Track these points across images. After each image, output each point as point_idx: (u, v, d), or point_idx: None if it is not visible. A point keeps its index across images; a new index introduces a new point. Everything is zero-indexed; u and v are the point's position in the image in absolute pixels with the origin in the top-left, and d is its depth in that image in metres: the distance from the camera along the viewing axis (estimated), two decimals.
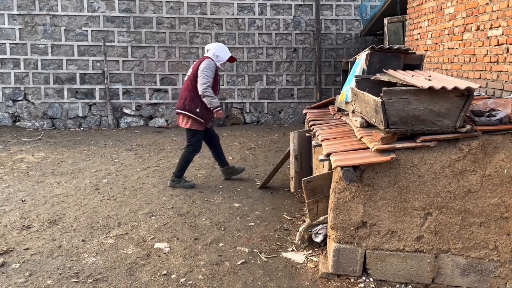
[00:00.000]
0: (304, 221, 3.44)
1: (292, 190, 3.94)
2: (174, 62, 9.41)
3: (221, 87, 9.33)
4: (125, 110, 9.35)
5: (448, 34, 4.97)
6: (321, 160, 2.78)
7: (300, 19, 9.64)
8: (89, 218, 3.57)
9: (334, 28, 9.77)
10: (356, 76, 3.22)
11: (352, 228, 2.60)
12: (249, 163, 5.68)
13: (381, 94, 2.43)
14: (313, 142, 3.44)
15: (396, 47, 3.43)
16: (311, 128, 3.69)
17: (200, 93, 4.31)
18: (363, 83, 3.17)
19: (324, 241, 3.04)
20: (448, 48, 4.97)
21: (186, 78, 4.56)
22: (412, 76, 2.93)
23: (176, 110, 4.50)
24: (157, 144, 7.10)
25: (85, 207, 3.86)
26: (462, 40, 4.62)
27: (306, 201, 2.88)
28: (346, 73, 4.54)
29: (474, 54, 4.33)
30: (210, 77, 4.33)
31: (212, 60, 4.44)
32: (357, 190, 2.56)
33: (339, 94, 4.15)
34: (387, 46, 3.46)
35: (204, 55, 4.61)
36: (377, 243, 2.59)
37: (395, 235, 2.57)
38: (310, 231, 3.12)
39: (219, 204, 3.97)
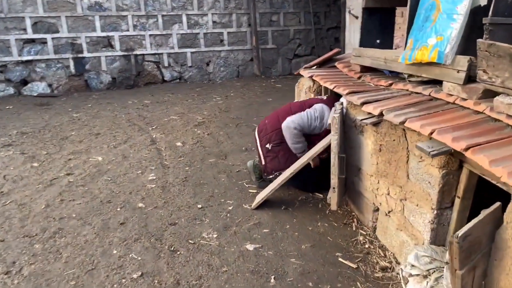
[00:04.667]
0: (378, 267, 2.21)
1: (334, 207, 2.63)
2: None
3: (127, 33, 7.16)
4: None
5: None
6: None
7: None
8: None
9: None
10: (486, 19, 1.91)
11: None
12: (212, 150, 4.12)
13: None
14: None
15: None
16: (371, 111, 2.33)
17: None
18: (500, 31, 1.89)
19: None
20: None
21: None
22: None
23: None
24: (51, 127, 4.96)
25: None
26: None
27: (456, 271, 1.61)
28: (370, 14, 3.19)
29: None
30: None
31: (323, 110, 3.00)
32: None
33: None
34: None
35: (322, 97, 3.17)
36: None
37: None
38: None
39: (221, 249, 2.47)
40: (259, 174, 3.22)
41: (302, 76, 3.60)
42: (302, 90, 3.57)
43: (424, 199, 2.06)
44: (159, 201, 3.06)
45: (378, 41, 3.29)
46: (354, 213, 2.80)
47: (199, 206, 2.98)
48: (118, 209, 2.95)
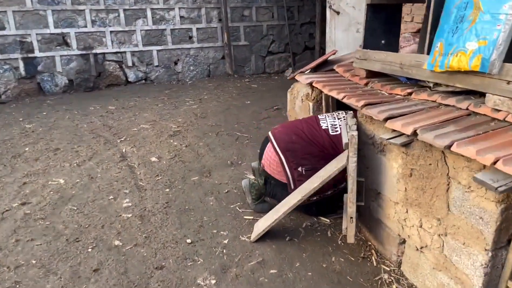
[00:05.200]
0: None
1: (351, 240, 2.27)
2: None
3: (84, 29, 6.49)
4: None
5: None
6: None
7: None
8: None
9: None
10: None
11: None
12: (193, 166, 3.66)
13: None
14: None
15: None
16: (401, 129, 1.99)
17: None
18: None
19: None
20: None
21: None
22: None
23: None
24: (0, 142, 4.30)
25: None
26: None
27: None
28: (375, 12, 2.85)
29: None
30: None
31: None
32: None
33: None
34: None
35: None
36: None
37: None
38: None
39: None
40: (257, 196, 2.81)
41: (296, 80, 3.21)
42: (297, 98, 3.18)
43: (473, 237, 1.73)
44: (139, 236, 2.58)
45: (383, 41, 2.96)
46: (371, 243, 2.46)
47: (188, 240, 2.53)
48: (90, 249, 2.45)
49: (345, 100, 2.47)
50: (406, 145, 2.01)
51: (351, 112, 2.71)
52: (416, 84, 2.45)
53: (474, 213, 1.72)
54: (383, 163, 2.23)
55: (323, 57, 3.19)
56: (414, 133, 1.90)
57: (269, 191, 2.79)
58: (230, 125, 4.74)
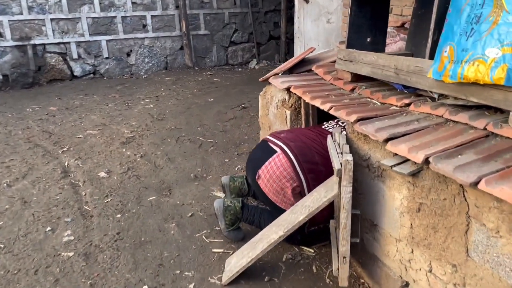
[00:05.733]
0: None
1: (344, 283, 1.91)
2: None
3: (20, 17, 5.73)
4: None
5: None
6: None
7: None
8: None
9: None
10: None
11: None
12: (150, 181, 3.20)
13: None
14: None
15: None
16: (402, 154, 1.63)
17: None
18: None
19: None
20: None
21: None
22: None
23: None
24: None
25: None
26: None
27: None
28: (360, 5, 2.48)
29: None
30: None
31: None
32: None
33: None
34: None
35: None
36: None
37: None
38: None
39: None
40: (231, 221, 2.38)
41: (269, 83, 2.80)
42: (272, 104, 2.77)
43: None
44: (83, 284, 2.10)
45: (368, 39, 2.60)
46: (364, 281, 2.12)
47: (145, 287, 2.08)
48: None
49: (332, 112, 2.08)
50: (415, 173, 1.65)
51: (339, 125, 2.34)
52: (414, 92, 2.10)
53: (503, 264, 1.39)
54: (382, 192, 1.87)
55: (299, 56, 2.78)
56: (426, 161, 1.54)
57: (247, 216, 2.38)
58: (192, 128, 4.26)
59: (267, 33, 8.01)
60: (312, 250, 2.36)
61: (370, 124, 1.86)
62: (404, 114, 1.98)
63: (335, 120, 2.46)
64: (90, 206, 2.83)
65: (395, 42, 2.94)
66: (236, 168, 3.33)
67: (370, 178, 1.93)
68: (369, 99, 2.24)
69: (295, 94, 2.47)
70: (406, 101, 2.05)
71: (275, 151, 2.21)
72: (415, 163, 1.63)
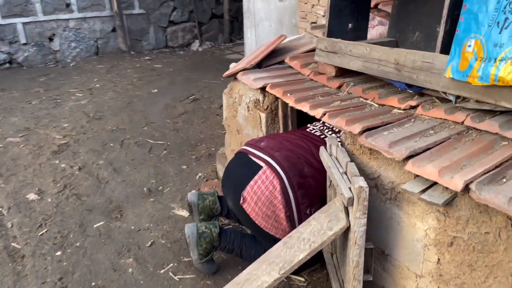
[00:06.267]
0: None
1: None
2: None
3: None
4: None
5: None
6: None
7: None
8: None
9: None
10: None
11: None
12: (93, 201, 2.68)
13: None
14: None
15: None
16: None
17: None
18: None
19: None
20: None
21: None
22: None
23: None
24: None
25: None
26: None
27: None
28: None
29: None
30: None
31: None
32: None
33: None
34: None
35: None
36: None
37: None
38: None
39: None
40: (206, 251, 1.97)
41: (235, 79, 2.37)
42: (241, 105, 2.35)
43: None
44: None
45: (350, 25, 2.26)
46: None
47: None
48: None
49: (326, 120, 1.72)
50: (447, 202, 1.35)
51: (332, 131, 2.00)
52: (420, 91, 1.79)
53: None
54: (396, 218, 1.56)
55: (270, 46, 2.37)
56: (465, 188, 1.24)
57: (225, 245, 1.99)
58: (137, 128, 3.72)
59: (209, 11, 7.43)
60: (302, 279, 2.03)
61: (379, 137, 1.53)
62: (413, 120, 1.67)
63: (321, 122, 2.11)
64: (19, 242, 2.27)
65: (373, 26, 2.63)
66: (197, 177, 2.90)
67: (380, 200, 1.62)
68: (363, 100, 1.91)
69: (272, 94, 2.07)
70: (412, 103, 1.74)
71: (260, 166, 1.82)
72: (446, 188, 1.32)
